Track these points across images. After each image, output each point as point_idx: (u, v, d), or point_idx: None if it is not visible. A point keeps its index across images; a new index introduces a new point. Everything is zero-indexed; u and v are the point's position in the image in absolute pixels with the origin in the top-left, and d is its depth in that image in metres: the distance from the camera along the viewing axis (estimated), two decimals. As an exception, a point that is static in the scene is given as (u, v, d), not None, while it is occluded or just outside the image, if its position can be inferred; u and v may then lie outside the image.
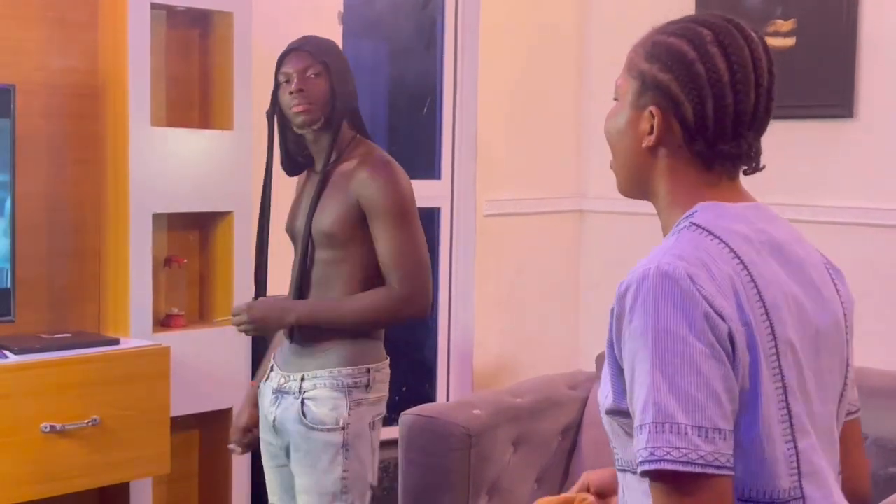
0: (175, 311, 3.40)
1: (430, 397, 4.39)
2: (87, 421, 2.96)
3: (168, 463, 3.16)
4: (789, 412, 1.39)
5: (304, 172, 2.82)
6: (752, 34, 1.48)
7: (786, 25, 4.10)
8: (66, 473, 2.94)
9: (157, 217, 3.28)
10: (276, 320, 2.69)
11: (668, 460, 1.29)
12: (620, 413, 1.41)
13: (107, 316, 3.28)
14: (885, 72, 3.91)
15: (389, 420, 3.74)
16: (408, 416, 3.35)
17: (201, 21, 3.44)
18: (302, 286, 2.71)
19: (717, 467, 1.30)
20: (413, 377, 4.44)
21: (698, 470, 1.29)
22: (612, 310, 1.41)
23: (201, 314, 3.52)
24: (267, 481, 2.86)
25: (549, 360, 4.45)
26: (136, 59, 3.17)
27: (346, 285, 2.66)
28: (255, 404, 2.86)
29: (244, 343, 3.40)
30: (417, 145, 4.45)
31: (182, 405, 3.26)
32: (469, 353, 4.39)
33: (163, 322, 3.37)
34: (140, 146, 3.20)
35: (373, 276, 2.66)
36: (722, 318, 1.34)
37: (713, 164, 1.47)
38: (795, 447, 1.40)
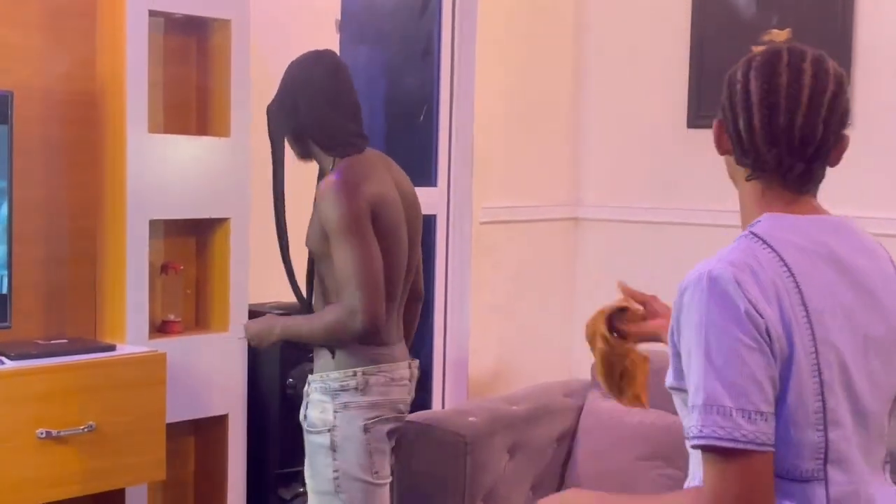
0: (171, 317, 3.40)
1: (425, 404, 4.40)
2: (82, 427, 2.95)
3: (164, 469, 3.16)
4: (824, 405, 1.58)
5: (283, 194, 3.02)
6: (805, 65, 1.64)
7: (781, 35, 4.11)
8: (61, 479, 2.93)
9: (153, 223, 3.28)
10: (266, 336, 2.92)
11: (714, 437, 1.51)
12: (681, 390, 1.62)
13: (103, 322, 3.28)
14: (881, 81, 3.93)
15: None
16: (404, 422, 3.35)
17: (199, 28, 3.44)
18: (307, 296, 2.91)
19: (759, 444, 1.51)
20: (408, 384, 4.45)
21: (740, 446, 1.51)
22: (675, 303, 1.63)
23: (198, 321, 3.52)
24: None
25: (544, 367, 4.46)
26: (134, 66, 3.17)
27: (329, 298, 2.82)
28: None
29: (240, 350, 3.41)
30: (414, 152, 4.45)
31: (178, 411, 3.25)
32: (464, 360, 4.39)
33: (159, 328, 3.37)
34: (137, 153, 3.20)
35: None
36: (762, 317, 1.54)
37: (787, 182, 1.66)
38: (826, 436, 1.59)
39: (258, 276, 3.43)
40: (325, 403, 2.78)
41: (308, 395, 2.85)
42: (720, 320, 1.55)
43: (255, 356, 3.45)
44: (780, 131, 1.63)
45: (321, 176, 2.87)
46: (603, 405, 3.76)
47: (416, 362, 2.98)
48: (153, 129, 3.28)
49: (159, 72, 3.36)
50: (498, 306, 4.47)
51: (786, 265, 1.60)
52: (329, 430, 2.76)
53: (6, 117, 2.97)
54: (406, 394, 2.90)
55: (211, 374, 3.35)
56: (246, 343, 3.38)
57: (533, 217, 4.57)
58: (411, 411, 3.50)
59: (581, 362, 4.21)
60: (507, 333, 4.51)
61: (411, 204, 2.94)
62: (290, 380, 3.25)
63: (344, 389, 2.76)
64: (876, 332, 1.65)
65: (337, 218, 2.70)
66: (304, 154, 2.90)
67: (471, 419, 3.30)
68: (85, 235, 3.28)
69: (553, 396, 3.77)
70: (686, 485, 1.72)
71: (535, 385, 3.94)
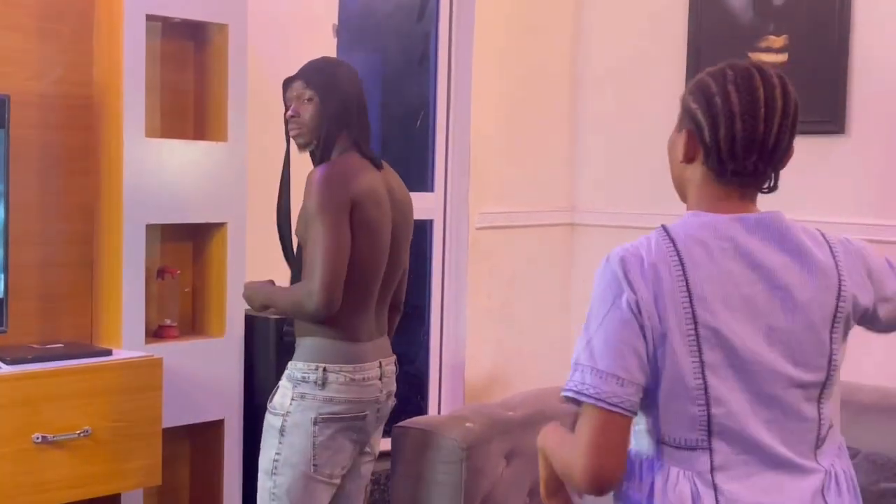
0: (168, 322, 3.39)
1: (421, 410, 4.39)
2: (78, 432, 2.95)
3: (159, 474, 3.16)
4: (705, 383, 1.75)
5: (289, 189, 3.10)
6: (774, 80, 1.80)
7: (778, 41, 4.12)
8: (57, 484, 2.93)
9: (150, 228, 3.28)
10: (254, 299, 3.03)
11: (574, 391, 1.73)
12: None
13: (99, 326, 3.28)
14: (877, 88, 3.93)
15: (382, 432, 3.74)
16: (399, 428, 3.35)
17: (196, 33, 3.44)
18: (293, 277, 3.00)
19: (610, 404, 1.70)
20: (405, 389, 4.44)
21: (592, 402, 1.71)
22: None
23: (194, 325, 3.52)
24: None
25: (540, 372, 4.46)
26: (131, 70, 3.17)
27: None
28: None
29: (236, 355, 3.41)
30: (411, 158, 4.46)
31: (174, 416, 3.25)
32: (461, 366, 4.39)
33: (155, 333, 3.37)
34: (134, 157, 3.20)
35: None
36: (636, 295, 1.73)
37: (723, 179, 1.81)
38: (708, 411, 1.75)
39: (255, 279, 3.42)
40: (286, 389, 2.91)
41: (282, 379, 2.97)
42: (603, 294, 1.76)
43: (251, 362, 3.45)
44: (758, 139, 1.78)
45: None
46: (599, 411, 3.75)
47: (392, 358, 3.07)
48: (150, 133, 3.28)
49: (156, 76, 3.36)
50: (494, 311, 4.47)
51: (678, 255, 1.76)
52: (283, 415, 2.88)
53: (3, 121, 2.97)
54: (375, 393, 2.97)
55: (207, 379, 3.35)
56: (242, 348, 3.42)
57: (529, 222, 4.57)
58: (407, 415, 3.51)
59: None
60: (503, 338, 4.51)
61: (401, 208, 2.99)
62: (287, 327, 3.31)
63: (304, 381, 2.89)
64: (781, 323, 1.78)
65: (315, 204, 2.81)
66: (319, 148, 2.95)
67: (468, 425, 3.29)
68: (81, 240, 3.28)
69: (550, 402, 3.76)
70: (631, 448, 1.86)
71: (532, 390, 3.93)
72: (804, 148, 4.00)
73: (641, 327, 1.73)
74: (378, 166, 2.96)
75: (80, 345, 3.21)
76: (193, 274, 3.51)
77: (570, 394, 1.74)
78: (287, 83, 2.97)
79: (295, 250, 2.99)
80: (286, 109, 2.97)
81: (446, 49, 4.37)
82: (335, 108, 2.90)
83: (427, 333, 4.43)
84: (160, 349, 3.24)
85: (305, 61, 2.99)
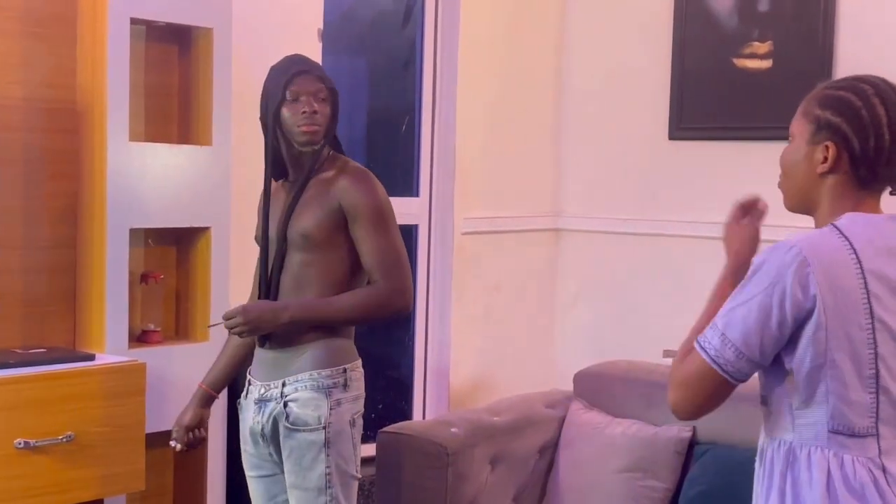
0: (151, 326, 3.38)
1: (406, 415, 4.38)
2: (61, 437, 2.93)
3: (143, 480, 3.14)
4: (877, 372, 1.91)
5: (272, 182, 2.92)
6: None
7: (762, 47, 4.13)
8: (39, 490, 2.91)
9: (134, 232, 3.26)
10: (270, 320, 2.80)
11: (701, 348, 1.93)
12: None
13: (82, 331, 3.26)
14: (861, 94, 3.94)
15: (367, 437, 3.73)
16: (385, 433, 3.35)
17: (181, 36, 3.43)
18: (270, 290, 2.84)
19: (724, 371, 1.91)
20: (390, 395, 4.44)
21: (714, 367, 1.91)
22: None
23: (178, 330, 3.50)
24: (251, 493, 2.99)
25: (525, 378, 4.45)
26: (115, 73, 3.16)
27: (320, 288, 2.81)
28: (201, 405, 3.04)
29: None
30: (396, 163, 4.45)
31: (158, 421, 3.23)
32: (446, 371, 4.39)
33: (139, 338, 3.35)
34: (118, 161, 3.18)
35: (344, 280, 2.82)
36: (808, 289, 1.88)
37: (869, 185, 1.98)
38: (877, 398, 1.91)
39: (239, 285, 3.41)
40: (318, 401, 2.78)
41: (287, 396, 2.81)
42: (765, 275, 1.90)
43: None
44: None
45: (308, 174, 2.83)
46: (584, 416, 3.76)
47: None
48: (134, 137, 3.27)
49: (141, 80, 3.35)
50: (479, 316, 4.47)
51: (854, 252, 1.91)
52: (324, 427, 2.78)
53: (-14, 124, 2.96)
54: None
55: (191, 384, 3.31)
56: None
57: (514, 228, 4.57)
58: (391, 421, 3.50)
59: (563, 373, 4.21)
60: (488, 344, 4.50)
61: None
62: None
63: (335, 386, 2.80)
64: None
65: (378, 202, 2.79)
66: (324, 148, 2.88)
67: (452, 430, 3.29)
68: (65, 244, 3.26)
69: (535, 407, 3.77)
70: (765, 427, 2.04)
71: (517, 396, 3.93)
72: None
73: (785, 318, 1.89)
74: None
75: (63, 350, 3.19)
76: (177, 278, 3.50)
77: (697, 345, 1.95)
78: (295, 75, 2.81)
79: (276, 256, 2.86)
80: (285, 100, 2.80)
81: (431, 54, 4.37)
82: (338, 110, 2.87)
83: (412, 338, 4.42)
84: (144, 354, 3.22)
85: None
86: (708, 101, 4.26)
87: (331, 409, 2.78)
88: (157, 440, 3.32)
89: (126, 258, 3.22)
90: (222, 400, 3.41)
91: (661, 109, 4.39)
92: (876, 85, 1.98)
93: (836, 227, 1.95)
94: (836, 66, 3.97)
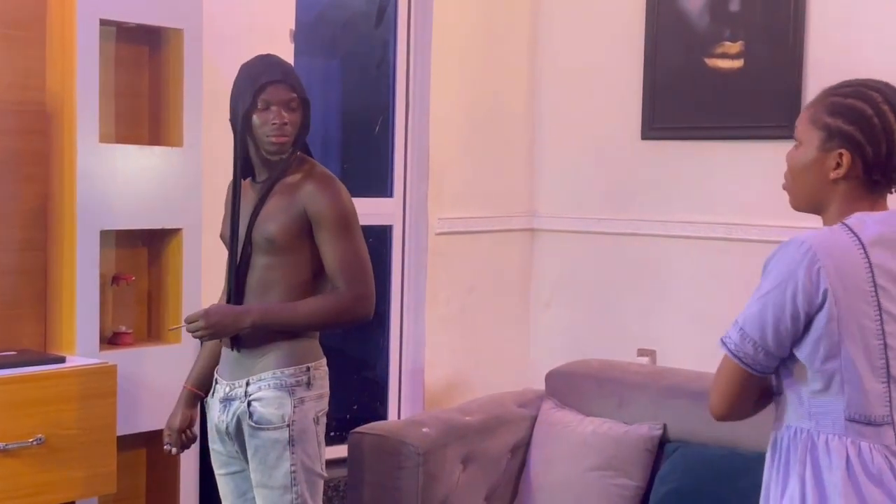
0: (123, 328, 3.37)
1: (381, 416, 4.38)
2: (31, 440, 2.92)
3: (114, 482, 3.13)
4: (887, 362, 2.00)
5: (236, 183, 2.92)
6: None
7: (734, 47, 4.15)
8: (10, 493, 2.90)
9: (104, 234, 3.26)
10: (232, 324, 2.80)
11: (724, 344, 2.06)
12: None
13: (53, 334, 3.25)
14: (831, 94, 3.96)
15: (340, 438, 3.73)
16: (356, 434, 3.35)
17: (151, 37, 3.42)
18: (237, 291, 2.85)
19: (748, 366, 2.03)
20: (364, 396, 4.44)
21: (735, 361, 2.04)
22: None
23: (149, 332, 3.49)
24: (220, 490, 3.00)
25: (500, 378, 4.46)
26: (85, 75, 3.15)
27: (283, 291, 2.83)
28: (188, 406, 3.05)
29: (192, 361, 3.38)
30: (370, 163, 4.45)
31: (129, 424, 3.23)
32: (420, 372, 4.39)
33: (110, 340, 3.35)
34: (88, 163, 3.17)
35: (308, 283, 2.84)
36: (819, 282, 1.96)
37: (880, 188, 2.07)
38: (889, 386, 2.00)
39: (211, 286, 3.41)
40: (281, 399, 2.80)
41: (250, 395, 2.82)
42: (780, 272, 1.99)
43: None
44: None
45: (277, 177, 2.83)
46: (556, 416, 3.77)
47: None
48: (104, 138, 3.26)
49: (111, 81, 3.34)
50: (454, 317, 4.47)
51: (863, 247, 1.99)
52: (288, 426, 2.80)
53: (-46, 127, 2.95)
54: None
55: (163, 387, 3.32)
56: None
57: (489, 228, 4.58)
58: (366, 422, 3.50)
59: (537, 373, 4.22)
60: (463, 344, 4.50)
61: None
62: None
63: (298, 385, 2.81)
64: None
65: (342, 209, 2.80)
66: (292, 156, 2.88)
67: (424, 430, 3.29)
68: (35, 246, 3.25)
69: (507, 407, 3.78)
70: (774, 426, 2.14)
71: (490, 395, 3.94)
72: (761, 153, 4.08)
73: (798, 311, 1.98)
74: None
75: (34, 352, 3.18)
76: (149, 280, 3.49)
77: (720, 342, 2.07)
78: (267, 84, 2.80)
79: (241, 257, 2.86)
80: (256, 107, 2.80)
81: (404, 55, 4.37)
82: (309, 117, 2.88)
83: (386, 339, 4.42)
84: (115, 356, 3.21)
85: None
86: (680, 100, 4.27)
87: (294, 407, 2.80)
88: (129, 442, 3.32)
89: (97, 260, 3.21)
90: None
91: (634, 109, 4.40)
92: (883, 91, 2.07)
93: (845, 224, 2.03)
94: (807, 65, 3.99)
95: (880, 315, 2.00)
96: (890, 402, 2.01)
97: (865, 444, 2.00)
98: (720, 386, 2.08)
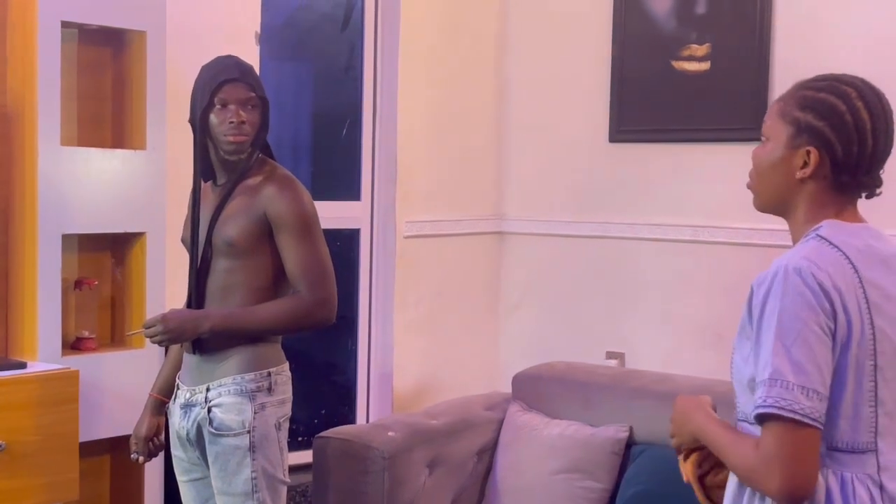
0: (86, 333, 3.34)
1: (350, 420, 4.37)
2: (-8, 446, 2.90)
3: (77, 489, 3.10)
4: (876, 384, 1.84)
5: (196, 185, 2.89)
6: (880, 91, 1.92)
7: (700, 50, 4.16)
8: (-31, 500, 2.87)
9: (67, 238, 3.23)
10: (191, 329, 2.77)
11: (776, 406, 1.75)
12: (754, 378, 1.84)
13: (14, 339, 3.22)
14: (797, 96, 3.98)
15: (308, 443, 3.71)
16: (321, 438, 3.33)
17: (114, 40, 3.40)
18: (199, 294, 2.82)
19: (812, 419, 1.75)
20: (333, 400, 4.42)
21: (797, 417, 1.75)
22: (748, 299, 1.85)
23: (113, 337, 3.46)
24: (182, 497, 2.97)
25: (469, 381, 4.45)
26: (46, 77, 3.12)
27: (245, 294, 2.80)
28: (154, 413, 3.01)
29: (157, 367, 3.35)
30: (337, 167, 4.44)
31: (93, 430, 3.20)
32: (389, 376, 4.37)
33: (73, 345, 3.32)
34: (49, 166, 3.14)
35: (269, 287, 2.81)
36: (832, 306, 1.79)
37: (849, 191, 1.92)
38: (876, 411, 1.84)
39: (175, 290, 3.38)
40: (241, 405, 2.77)
41: (211, 401, 2.79)
42: (794, 307, 1.78)
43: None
44: (882, 155, 1.91)
45: (237, 179, 2.80)
46: (523, 418, 3.76)
47: None
48: (66, 141, 3.23)
49: (73, 83, 3.31)
50: (422, 321, 4.46)
51: (851, 264, 1.85)
52: (249, 432, 2.76)
53: (-88, 130, 2.91)
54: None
55: (126, 392, 3.29)
56: (162, 360, 3.34)
57: (457, 231, 4.57)
58: (333, 426, 3.48)
59: (506, 376, 4.21)
60: (432, 348, 4.49)
61: None
62: None
63: (259, 390, 2.78)
64: None
65: (303, 211, 2.76)
66: (252, 156, 2.85)
67: (390, 434, 3.28)
68: (-5, 250, 3.22)
69: (474, 410, 3.77)
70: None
71: (456, 399, 3.93)
72: (726, 156, 4.09)
73: (834, 339, 1.80)
74: None
75: (-5, 358, 3.15)
76: (112, 285, 3.46)
77: (771, 409, 1.75)
78: (224, 82, 2.77)
79: (201, 260, 2.83)
80: (208, 106, 2.78)
81: (372, 58, 4.36)
82: (268, 117, 2.84)
83: (355, 343, 4.40)
84: (78, 361, 3.19)
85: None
86: (647, 103, 4.28)
87: (255, 413, 2.77)
88: (93, 449, 3.29)
89: (59, 264, 3.18)
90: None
91: (601, 112, 4.40)
92: (857, 87, 1.90)
93: (823, 238, 1.88)
94: (773, 67, 4.01)
95: (874, 333, 1.84)
96: (876, 427, 1.84)
97: (848, 475, 1.83)
98: (795, 464, 1.75)
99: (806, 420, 1.75)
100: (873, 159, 1.89)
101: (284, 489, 2.86)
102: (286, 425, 2.85)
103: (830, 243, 1.86)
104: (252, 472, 2.76)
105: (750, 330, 1.85)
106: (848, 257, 1.85)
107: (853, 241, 1.88)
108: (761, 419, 1.78)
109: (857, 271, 1.84)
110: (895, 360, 1.87)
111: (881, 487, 1.84)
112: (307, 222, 2.77)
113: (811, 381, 1.76)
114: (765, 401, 1.76)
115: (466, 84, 4.58)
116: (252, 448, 2.76)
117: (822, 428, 1.77)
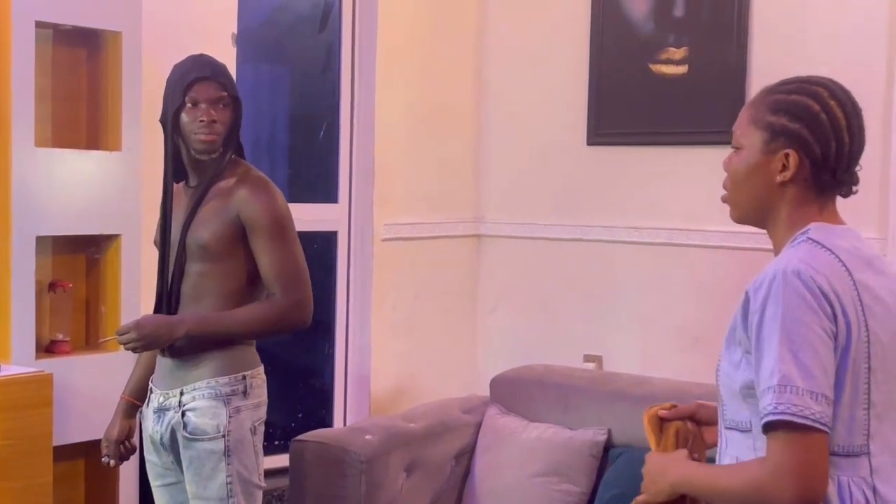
0: (60, 336, 3.31)
1: (327, 424, 4.35)
2: (-36, 450, 2.87)
3: (50, 493, 3.08)
4: (869, 386, 1.82)
5: (167, 186, 2.86)
6: (847, 89, 1.92)
7: (678, 53, 4.16)
8: (-59, 505, 2.84)
9: (41, 240, 3.20)
10: (166, 335, 2.74)
11: (787, 413, 1.71)
12: (747, 385, 1.82)
13: (-13, 342, 3.19)
14: (774, 99, 3.99)
15: (285, 447, 3.69)
16: (298, 442, 3.32)
17: (89, 40, 3.37)
18: (171, 298, 2.79)
19: (822, 424, 1.72)
20: (310, 404, 4.40)
21: (809, 423, 1.71)
22: (743, 305, 1.81)
23: (88, 340, 3.44)
24: (156, 501, 2.95)
25: (447, 384, 4.44)
26: (20, 77, 3.10)
27: (218, 298, 2.77)
28: (126, 417, 2.98)
29: (130, 370, 3.33)
30: (315, 169, 4.42)
31: (67, 433, 3.18)
32: (367, 379, 4.36)
33: (47, 348, 3.29)
34: (23, 167, 3.12)
35: (243, 290, 2.79)
36: (833, 310, 1.77)
37: (828, 191, 1.90)
38: (869, 413, 1.82)
39: (151, 293, 3.36)
40: (216, 409, 2.74)
41: (185, 405, 2.76)
42: (796, 311, 1.75)
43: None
44: (858, 151, 1.90)
45: (210, 181, 2.77)
46: (500, 421, 3.76)
47: None
48: (40, 142, 3.21)
49: (48, 84, 3.29)
50: (400, 324, 4.45)
51: (844, 266, 1.83)
52: (224, 436, 2.74)
53: None
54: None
55: (101, 396, 3.26)
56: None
57: (435, 234, 4.56)
58: (310, 429, 3.46)
59: (484, 378, 4.20)
60: (409, 351, 4.48)
61: None
62: None
63: (234, 394, 2.76)
64: None
65: (277, 214, 2.74)
66: (224, 156, 2.82)
67: (367, 437, 3.26)
68: (-32, 252, 3.19)
69: (451, 413, 3.76)
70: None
71: (434, 402, 3.92)
72: (704, 159, 4.09)
73: (835, 342, 1.78)
74: None
75: (-33, 361, 3.11)
76: (87, 287, 3.43)
77: (784, 416, 1.71)
78: (195, 81, 2.74)
79: (175, 264, 2.80)
80: (184, 105, 2.74)
81: (349, 59, 4.35)
82: (240, 117, 2.81)
83: (332, 346, 4.39)
84: (52, 365, 3.16)
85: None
86: (625, 106, 4.28)
87: (230, 417, 2.74)
88: (67, 453, 3.26)
89: (32, 266, 3.16)
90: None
91: (580, 115, 4.40)
92: (827, 86, 1.90)
93: (814, 241, 1.86)
94: (750, 71, 4.01)
95: (868, 336, 1.82)
96: (868, 430, 1.82)
97: (844, 479, 1.80)
98: (808, 469, 1.72)
99: (817, 425, 1.72)
100: (851, 156, 1.89)
101: (260, 494, 2.84)
102: (261, 429, 2.83)
103: (823, 246, 1.84)
104: (227, 476, 2.74)
105: (743, 336, 1.82)
106: (841, 260, 1.83)
107: (842, 244, 1.86)
108: (769, 427, 1.73)
109: (850, 274, 1.83)
110: (885, 362, 1.85)
111: (874, 490, 1.82)
112: (281, 224, 2.75)
113: (819, 386, 1.73)
114: (775, 408, 1.72)
115: (444, 87, 4.57)
116: (227, 452, 2.74)
117: (830, 433, 1.74)
